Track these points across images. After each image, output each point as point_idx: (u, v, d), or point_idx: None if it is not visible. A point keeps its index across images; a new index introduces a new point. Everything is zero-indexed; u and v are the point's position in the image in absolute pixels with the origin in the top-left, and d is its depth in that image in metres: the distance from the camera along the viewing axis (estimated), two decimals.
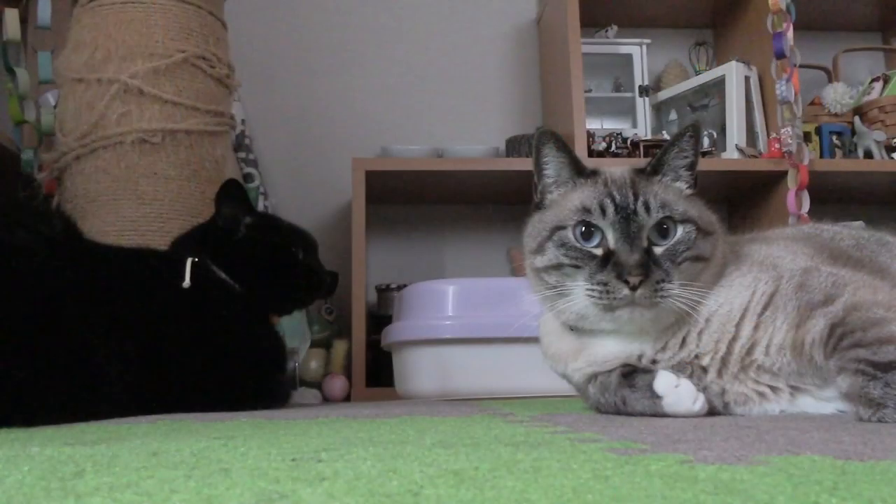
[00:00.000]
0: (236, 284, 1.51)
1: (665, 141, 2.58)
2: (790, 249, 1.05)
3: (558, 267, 0.95)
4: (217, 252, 1.52)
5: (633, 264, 0.89)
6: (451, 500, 0.39)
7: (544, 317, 1.11)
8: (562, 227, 0.95)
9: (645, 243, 0.93)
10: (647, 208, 0.94)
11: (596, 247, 0.93)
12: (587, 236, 0.94)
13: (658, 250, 0.93)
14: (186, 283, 1.40)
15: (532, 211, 1.05)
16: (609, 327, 0.97)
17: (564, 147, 1.01)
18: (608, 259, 0.92)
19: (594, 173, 1.01)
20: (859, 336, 0.84)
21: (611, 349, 1.00)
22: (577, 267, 0.93)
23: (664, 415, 0.93)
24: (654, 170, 1.00)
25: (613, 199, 0.94)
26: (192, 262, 1.44)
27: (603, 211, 0.94)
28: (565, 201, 0.99)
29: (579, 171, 1.01)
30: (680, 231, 0.94)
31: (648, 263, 0.91)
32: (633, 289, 0.89)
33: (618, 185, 0.97)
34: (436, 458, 0.55)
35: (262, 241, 1.58)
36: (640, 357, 0.99)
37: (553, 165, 1.02)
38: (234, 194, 1.58)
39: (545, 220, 0.99)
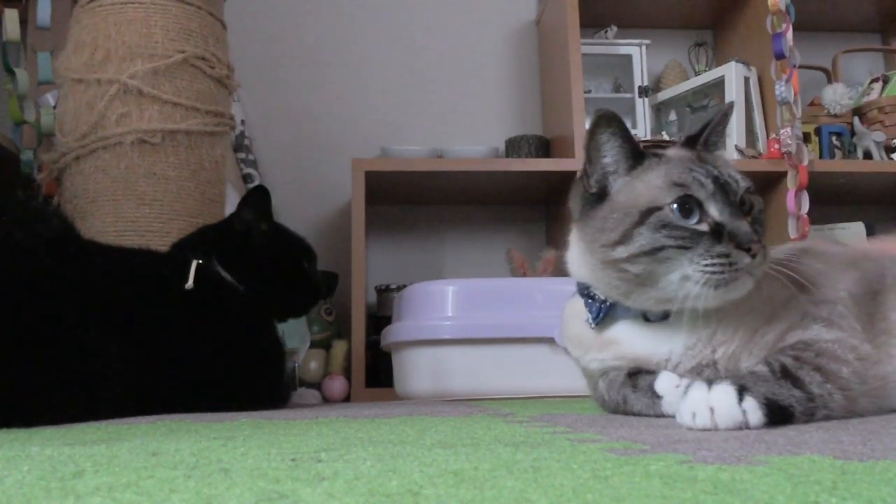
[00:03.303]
0: (241, 286, 1.52)
1: (666, 141, 2.58)
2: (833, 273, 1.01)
3: (654, 251, 0.86)
4: (227, 254, 1.54)
5: (749, 232, 0.85)
6: (451, 500, 0.39)
7: (572, 300, 1.07)
8: (657, 208, 0.87)
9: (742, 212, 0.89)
10: (735, 179, 0.90)
11: (699, 223, 0.87)
12: (687, 213, 0.87)
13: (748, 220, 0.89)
14: (189, 284, 1.41)
15: (590, 204, 0.95)
16: (713, 304, 0.89)
17: (626, 131, 0.93)
18: (718, 233, 0.86)
19: (656, 156, 0.94)
20: (806, 354, 0.83)
21: (644, 347, 0.97)
22: (684, 248, 0.86)
23: (663, 415, 0.93)
24: (706, 147, 0.97)
25: (703, 173, 0.89)
26: (197, 264, 1.45)
27: (701, 184, 0.87)
28: (644, 182, 0.91)
29: (641, 155, 0.94)
30: (757, 202, 0.91)
31: (758, 231, 0.87)
32: (753, 257, 0.85)
33: (692, 161, 0.92)
34: (436, 458, 0.55)
35: (275, 250, 1.62)
36: (668, 357, 0.95)
37: (614, 151, 0.94)
38: (257, 201, 1.63)
39: (622, 206, 0.91)
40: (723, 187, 0.88)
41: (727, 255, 0.84)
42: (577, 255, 0.99)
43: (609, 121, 0.92)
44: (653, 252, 0.87)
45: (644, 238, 0.87)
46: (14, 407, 1.04)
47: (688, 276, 0.85)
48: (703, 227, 0.86)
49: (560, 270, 2.11)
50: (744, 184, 0.90)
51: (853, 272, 1.02)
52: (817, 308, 0.92)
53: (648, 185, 0.90)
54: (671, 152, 0.96)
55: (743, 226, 0.86)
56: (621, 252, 0.89)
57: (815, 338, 0.87)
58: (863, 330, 0.93)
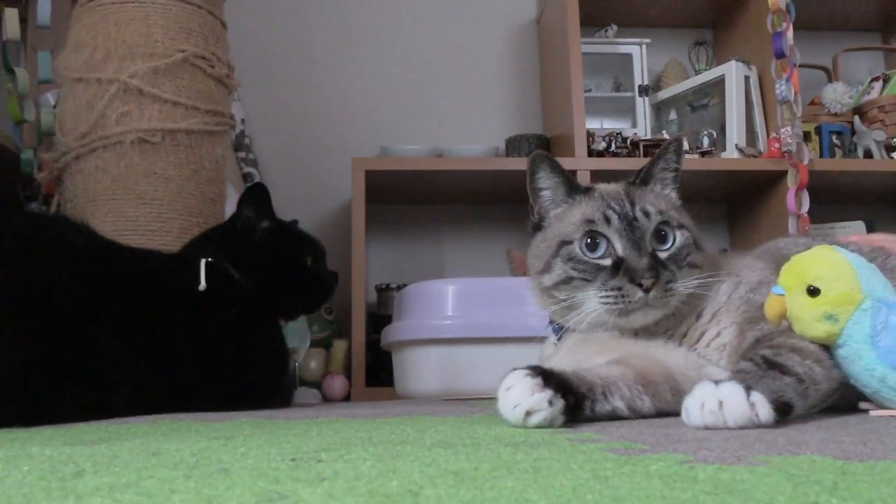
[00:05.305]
0: (249, 285, 1.52)
1: (666, 140, 2.58)
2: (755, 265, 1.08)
3: (568, 281, 0.96)
4: (232, 252, 1.54)
5: (645, 268, 0.92)
6: (451, 500, 0.39)
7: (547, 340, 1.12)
8: (568, 242, 0.97)
9: (650, 248, 0.95)
10: (647, 214, 0.97)
11: (603, 257, 0.95)
12: (593, 248, 0.95)
13: (662, 255, 0.96)
14: (202, 285, 1.41)
15: (532, 233, 1.06)
16: (624, 327, 0.98)
17: (558, 168, 1.03)
18: (618, 266, 0.94)
19: (588, 190, 1.04)
20: (777, 341, 0.87)
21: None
22: (586, 280, 0.95)
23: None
24: (644, 180, 1.04)
25: (614, 209, 0.97)
26: (207, 263, 1.45)
27: (607, 220, 0.96)
28: (566, 218, 1.01)
29: (574, 189, 1.04)
30: (679, 236, 0.97)
31: (657, 266, 0.93)
32: (647, 291, 0.92)
33: (613, 197, 1.00)
34: (436, 458, 0.55)
35: (274, 246, 1.61)
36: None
37: (549, 186, 1.04)
38: (257, 198, 1.62)
39: (548, 238, 1.01)
40: (630, 224, 0.95)
41: (620, 289, 0.92)
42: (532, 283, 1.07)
43: (544, 160, 1.03)
44: (568, 281, 0.96)
45: (558, 268, 0.97)
46: (28, 405, 1.05)
47: (594, 305, 0.94)
48: (607, 261, 0.95)
49: None
50: (656, 218, 0.97)
51: (762, 263, 1.09)
52: (758, 294, 0.98)
53: (569, 220, 1.00)
54: (604, 187, 1.04)
55: (641, 261, 0.93)
56: (547, 280, 0.99)
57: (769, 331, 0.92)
58: None
